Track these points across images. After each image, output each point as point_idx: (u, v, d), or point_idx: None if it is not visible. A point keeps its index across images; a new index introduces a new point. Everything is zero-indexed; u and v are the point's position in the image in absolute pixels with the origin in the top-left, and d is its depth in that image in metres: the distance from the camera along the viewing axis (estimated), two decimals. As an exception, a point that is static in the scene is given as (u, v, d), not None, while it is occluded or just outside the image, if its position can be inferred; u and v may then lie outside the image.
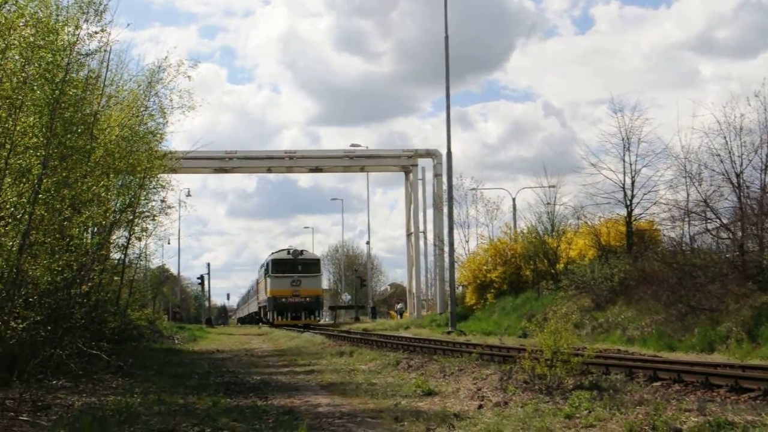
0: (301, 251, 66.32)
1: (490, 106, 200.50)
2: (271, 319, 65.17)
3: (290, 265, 63.68)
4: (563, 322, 15.07)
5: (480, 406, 13.33)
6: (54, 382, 16.21)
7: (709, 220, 31.50)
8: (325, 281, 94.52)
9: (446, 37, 43.17)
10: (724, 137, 30.07)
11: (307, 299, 62.73)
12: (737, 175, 29.89)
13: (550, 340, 14.42)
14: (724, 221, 30.96)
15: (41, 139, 14.61)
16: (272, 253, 69.57)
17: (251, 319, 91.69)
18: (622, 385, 14.36)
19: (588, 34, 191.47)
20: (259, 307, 76.38)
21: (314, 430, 11.51)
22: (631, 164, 36.89)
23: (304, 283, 62.91)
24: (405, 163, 64.29)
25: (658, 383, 15.34)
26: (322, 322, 74.87)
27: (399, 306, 77.29)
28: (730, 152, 29.96)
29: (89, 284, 19.34)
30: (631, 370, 16.89)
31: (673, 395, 13.28)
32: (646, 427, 10.27)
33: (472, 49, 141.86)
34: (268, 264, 66.77)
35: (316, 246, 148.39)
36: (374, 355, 24.06)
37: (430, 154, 62.71)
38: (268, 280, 65.07)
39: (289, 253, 65.30)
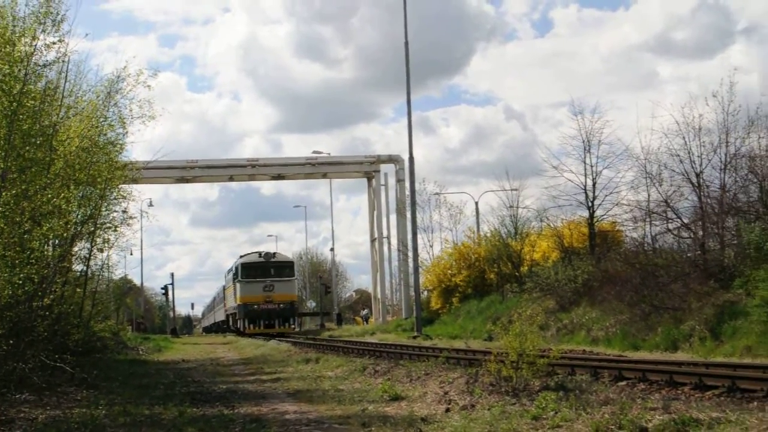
0: (273, 253, 62.45)
1: (452, 110, 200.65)
2: (241, 327, 60.64)
3: (262, 269, 59.68)
4: (528, 324, 15.13)
5: (447, 410, 13.35)
6: (17, 395, 16.04)
7: (670, 220, 31.81)
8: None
9: (406, 43, 43.22)
10: (683, 138, 30.40)
11: (281, 305, 58.51)
12: (697, 175, 30.20)
13: (515, 343, 14.45)
14: (685, 221, 31.29)
15: None
16: (241, 257, 64.97)
17: (218, 328, 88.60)
18: (587, 385, 14.43)
19: (547, 37, 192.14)
20: (227, 315, 72.42)
21: (281, 438, 11.46)
22: (592, 166, 37.21)
23: (277, 288, 58.73)
24: (367, 169, 64.32)
25: (624, 383, 15.44)
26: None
27: (364, 312, 77.11)
28: (689, 152, 30.28)
29: (51, 297, 19.15)
30: (597, 370, 16.99)
31: (639, 394, 13.37)
32: (613, 427, 10.32)
33: (432, 54, 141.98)
34: (237, 268, 62.00)
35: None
36: (341, 362, 24.02)
37: (392, 159, 62.76)
38: (238, 285, 60.63)
39: (260, 255, 61.26)
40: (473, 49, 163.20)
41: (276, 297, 58.38)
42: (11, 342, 14.59)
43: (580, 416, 11.23)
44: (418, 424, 12.15)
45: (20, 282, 15.37)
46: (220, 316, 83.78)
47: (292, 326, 60.64)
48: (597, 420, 10.71)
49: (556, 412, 11.60)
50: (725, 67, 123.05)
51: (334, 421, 13.16)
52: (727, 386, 13.52)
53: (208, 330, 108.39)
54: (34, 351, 16.82)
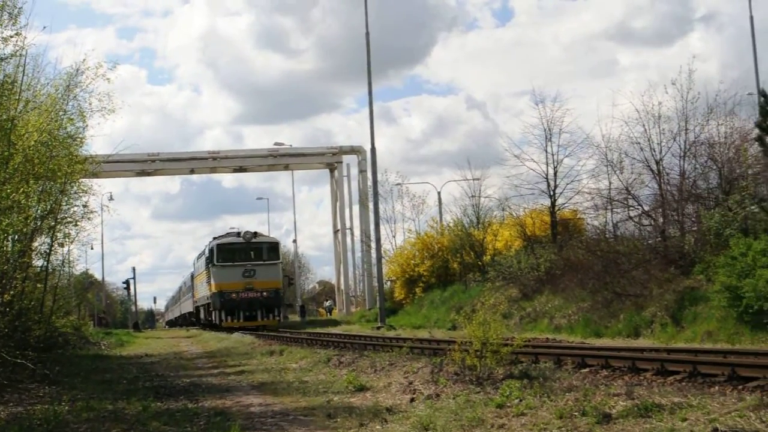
0: (254, 233, 52.86)
1: (413, 100, 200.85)
2: (216, 320, 51.03)
3: (242, 252, 50.88)
4: (491, 313, 15.21)
5: (412, 400, 13.38)
6: (-22, 393, 15.88)
7: (631, 208, 32.11)
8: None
9: (367, 33, 43.25)
10: (643, 125, 30.70)
11: (265, 294, 49.32)
12: (657, 162, 30.49)
13: (479, 332, 14.50)
14: (646, 208, 31.61)
15: (-44, 146, 14.32)
16: (215, 238, 55.08)
17: (185, 322, 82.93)
18: (551, 372, 14.52)
19: (508, 27, 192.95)
20: (197, 307, 63.71)
21: (247, 430, 11.44)
22: (553, 155, 37.49)
23: (259, 274, 49.80)
24: (329, 160, 64.33)
25: (587, 369, 15.54)
26: None
27: (328, 303, 77.08)
28: (649, 140, 30.59)
29: (11, 293, 19.00)
30: (560, 357, 17.08)
31: (602, 381, 13.48)
32: (576, 413, 10.39)
33: (393, 44, 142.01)
34: (211, 251, 51.61)
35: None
36: (305, 353, 24.01)
37: (354, 150, 62.82)
38: (213, 270, 50.96)
39: (239, 235, 51.97)
40: (434, 39, 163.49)
41: (258, 284, 49.63)
42: (-29, 339, 14.42)
43: (544, 403, 11.30)
44: (384, 414, 12.17)
45: (-20, 278, 15.21)
46: (187, 308, 77.20)
47: (277, 318, 51.16)
48: (561, 407, 10.79)
49: (521, 400, 11.66)
50: (684, 55, 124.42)
51: (299, 413, 13.15)
52: (688, 371, 13.64)
53: (173, 324, 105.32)
54: (-6, 347, 16.65)
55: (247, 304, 49.48)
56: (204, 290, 55.73)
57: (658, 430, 9.28)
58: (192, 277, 68.46)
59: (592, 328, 26.63)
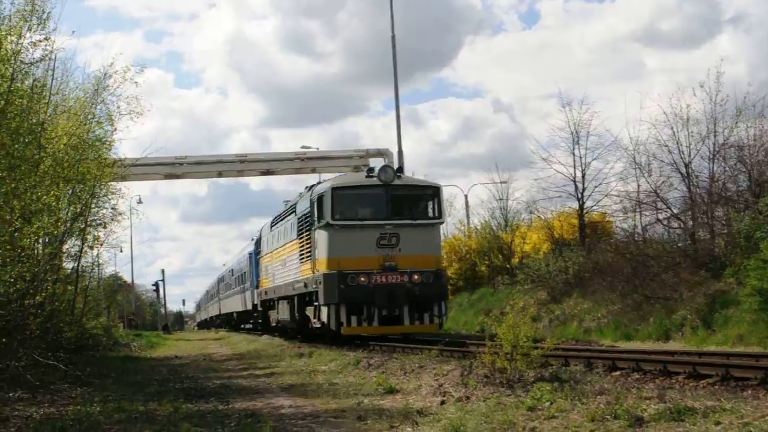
0: (398, 169, 30.60)
1: (440, 103, 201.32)
2: (330, 321, 26.93)
3: (375, 203, 27.99)
4: (521, 315, 15.14)
5: (442, 402, 13.34)
6: (11, 394, 16.00)
7: (659, 210, 31.96)
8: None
9: (393, 36, 43.15)
10: (672, 128, 30.57)
11: (416, 278, 26.87)
12: (686, 165, 30.35)
13: (509, 334, 14.45)
14: (675, 211, 31.47)
15: (-12, 150, 14.44)
16: (323, 182, 30.44)
17: (225, 323, 70.85)
18: (582, 375, 14.47)
19: (534, 29, 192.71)
20: (267, 301, 39.88)
21: (277, 432, 11.44)
22: (581, 157, 37.28)
23: (407, 243, 27.26)
24: (357, 163, 64.02)
25: (618, 373, 15.47)
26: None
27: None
28: (677, 143, 30.45)
29: (43, 295, 19.12)
30: (590, 360, 17.01)
31: (633, 384, 13.40)
32: (608, 416, 10.34)
33: (420, 48, 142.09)
34: (319, 200, 27.75)
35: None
36: (334, 356, 23.99)
37: (381, 153, 62.60)
38: (321, 235, 27.60)
39: (370, 174, 28.67)
40: (461, 42, 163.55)
41: (404, 260, 27.07)
42: (4, 340, 14.57)
43: (575, 407, 11.26)
44: (414, 416, 12.15)
45: (12, 280, 15.34)
46: (232, 306, 59.82)
47: (439, 318, 27.73)
48: (592, 410, 10.74)
49: (552, 403, 11.62)
50: (712, 57, 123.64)
51: (329, 415, 13.15)
52: (720, 375, 13.56)
53: (206, 326, 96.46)
54: (26, 349, 16.79)
55: (386, 297, 26.47)
56: (290, 272, 32.73)
57: (691, 434, 9.23)
58: (251, 257, 48.10)
59: (622, 331, 26.51)
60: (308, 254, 28.91)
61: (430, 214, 28.28)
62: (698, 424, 9.57)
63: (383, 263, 26.66)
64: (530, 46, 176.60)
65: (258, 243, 45.22)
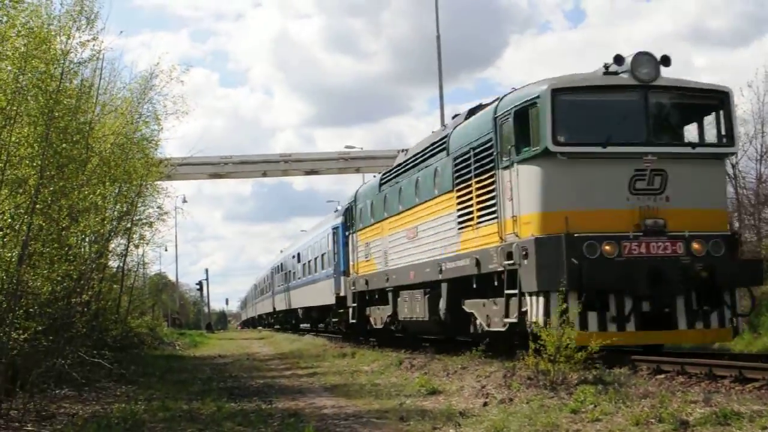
0: (663, 59, 16.28)
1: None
2: (545, 317, 15.42)
3: (627, 115, 16.40)
4: (565, 317, 15.01)
5: (485, 404, 13.30)
6: (57, 391, 16.19)
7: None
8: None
9: (438, 36, 43.08)
10: (719, 128, 30.09)
11: (696, 246, 15.86)
12: (733, 166, 29.98)
13: (553, 336, 14.35)
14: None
15: (37, 149, 14.59)
16: (524, 87, 17.30)
17: (282, 322, 62.62)
18: (626, 378, 14.33)
19: (580, 28, 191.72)
20: (356, 294, 30.16)
21: (320, 432, 11.46)
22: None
23: (679, 187, 16.00)
24: (400, 162, 64.24)
25: (662, 376, 15.31)
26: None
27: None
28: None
29: (89, 293, 19.31)
30: (634, 363, 16.86)
31: (678, 387, 13.26)
32: (653, 420, 10.26)
33: (464, 47, 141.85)
34: (523, 111, 16.50)
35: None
36: (376, 356, 24.03)
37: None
38: (523, 175, 16.40)
39: (611, 71, 16.33)
40: (506, 41, 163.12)
41: (677, 217, 15.98)
42: (51, 338, 14.69)
43: (619, 409, 11.17)
44: (457, 418, 12.12)
45: (59, 278, 15.50)
46: (299, 301, 48.87)
47: (732, 321, 16.73)
48: (637, 413, 10.65)
49: (596, 406, 11.54)
50: (761, 56, 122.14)
51: (372, 416, 13.16)
52: (767, 379, 13.39)
53: (251, 325, 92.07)
54: (73, 347, 16.96)
55: (649, 279, 15.48)
56: (431, 246, 21.68)
57: (737, 438, 9.13)
58: (338, 235, 36.06)
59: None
60: (487, 211, 18.13)
61: (713, 138, 17.17)
62: (744, 429, 9.47)
63: (642, 221, 15.90)
64: (576, 45, 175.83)
65: (349, 214, 32.16)
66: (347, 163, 64.17)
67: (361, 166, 66.19)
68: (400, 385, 17.04)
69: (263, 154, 69.31)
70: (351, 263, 30.91)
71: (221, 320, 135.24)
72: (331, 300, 36.45)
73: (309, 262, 45.20)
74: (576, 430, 10.50)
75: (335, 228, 37.04)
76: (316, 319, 44.91)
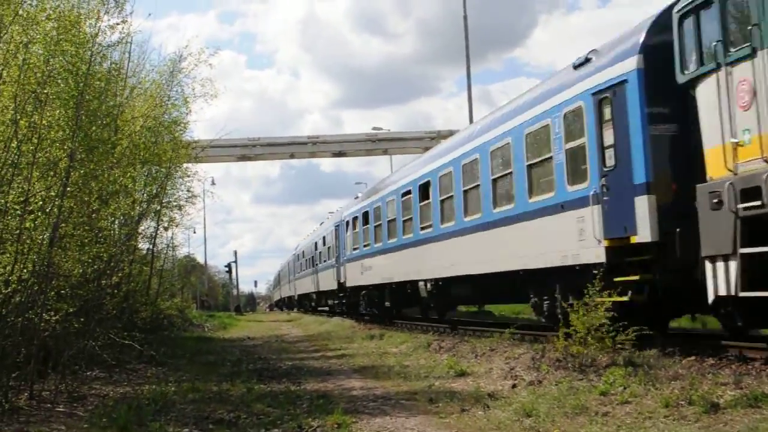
0: None
1: (512, 83, 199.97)
2: None
3: None
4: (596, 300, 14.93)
5: (514, 386, 13.30)
6: (88, 372, 16.33)
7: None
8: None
9: (465, 17, 42.94)
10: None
11: None
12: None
13: (583, 319, 14.28)
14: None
15: (67, 132, 14.66)
16: None
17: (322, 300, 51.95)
18: (656, 360, 14.26)
19: (609, 7, 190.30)
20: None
21: (349, 413, 11.50)
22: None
23: None
24: (428, 144, 63.99)
25: (692, 358, 15.23)
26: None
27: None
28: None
29: (119, 275, 19.44)
30: (664, 345, 16.77)
31: (708, 369, 13.20)
32: (683, 402, 10.21)
33: (493, 27, 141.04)
34: None
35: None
36: (405, 338, 24.04)
37: (452, 134, 62.49)
38: None
39: None
40: (535, 21, 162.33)
41: None
42: (82, 320, 14.80)
43: (649, 392, 11.13)
44: (485, 399, 12.13)
45: (90, 260, 15.61)
46: (353, 276, 37.41)
47: None
48: (666, 395, 10.60)
49: (625, 388, 11.49)
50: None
51: (400, 397, 13.19)
52: (799, 362, 13.29)
53: (285, 305, 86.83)
54: (103, 328, 17.08)
55: None
56: None
57: (768, 421, 9.06)
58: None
59: (698, 317, 26.08)
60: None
61: None
62: (775, 412, 9.41)
63: None
64: (605, 24, 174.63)
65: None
66: (375, 144, 64.19)
67: (388, 148, 66.21)
68: (428, 366, 17.05)
69: (291, 136, 69.46)
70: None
71: (250, 302, 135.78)
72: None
73: (360, 227, 36.62)
74: (605, 412, 10.47)
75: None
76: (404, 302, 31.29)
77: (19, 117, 13.08)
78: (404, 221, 28.71)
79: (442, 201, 24.39)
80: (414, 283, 27.33)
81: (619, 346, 14.14)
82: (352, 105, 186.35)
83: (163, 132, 24.41)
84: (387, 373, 16.80)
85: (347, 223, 39.59)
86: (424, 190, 26.33)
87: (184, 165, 27.61)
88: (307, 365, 19.61)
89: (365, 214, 35.45)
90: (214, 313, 63.17)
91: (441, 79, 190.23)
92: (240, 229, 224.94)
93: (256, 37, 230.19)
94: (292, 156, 68.48)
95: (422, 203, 26.52)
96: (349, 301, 40.20)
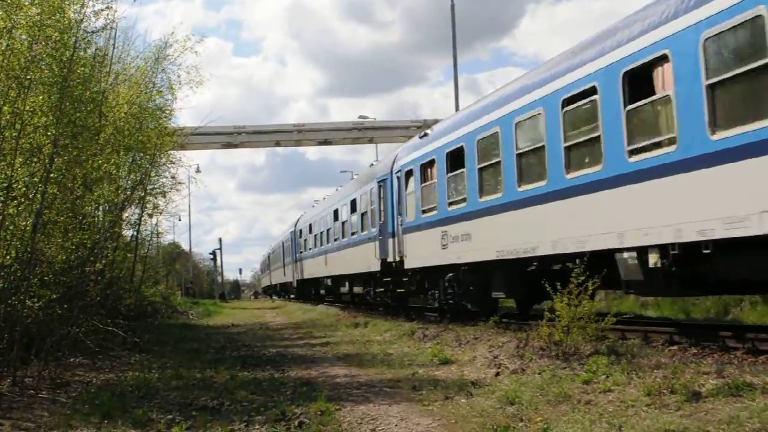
0: None
1: (499, 72, 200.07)
2: None
3: None
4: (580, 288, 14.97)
5: (497, 374, 13.34)
6: (72, 359, 16.30)
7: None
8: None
9: (452, 6, 42.90)
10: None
11: None
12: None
13: (566, 307, 14.31)
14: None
15: (51, 118, 14.59)
16: None
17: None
18: (638, 349, 14.32)
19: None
20: None
21: (333, 401, 11.51)
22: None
23: None
24: (414, 133, 64.04)
25: (675, 347, 15.31)
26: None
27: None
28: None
29: (103, 262, 19.40)
30: (647, 334, 16.86)
31: (691, 358, 13.25)
32: (665, 390, 10.25)
33: (480, 16, 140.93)
34: None
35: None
36: (389, 326, 24.08)
37: (437, 123, 62.56)
38: None
39: None
40: (522, 10, 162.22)
41: None
42: (65, 306, 14.76)
43: (631, 380, 11.17)
44: (469, 387, 12.17)
45: (73, 247, 15.57)
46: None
47: None
48: (649, 384, 10.64)
49: (608, 376, 11.53)
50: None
51: (384, 385, 13.21)
52: (780, 350, 13.37)
53: (276, 293, 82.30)
54: (87, 315, 17.01)
55: None
56: None
57: (749, 410, 9.08)
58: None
59: (680, 305, 26.22)
60: None
61: None
62: (757, 400, 9.44)
63: None
64: (594, 15, 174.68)
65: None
66: (361, 133, 64.12)
67: (374, 137, 66.14)
68: (412, 354, 17.09)
69: (277, 124, 69.35)
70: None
71: (234, 290, 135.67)
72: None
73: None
74: (588, 400, 10.51)
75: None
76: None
77: (2, 102, 13.01)
78: (570, 147, 16.00)
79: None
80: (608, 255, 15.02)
81: (601, 333, 14.18)
82: (338, 93, 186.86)
83: (148, 119, 24.33)
84: (371, 360, 16.82)
85: (408, 173, 26.94)
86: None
87: (170, 152, 27.54)
88: (291, 353, 19.62)
89: (456, 152, 22.02)
90: (198, 301, 63.12)
91: (428, 68, 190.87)
92: (225, 216, 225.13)
93: (242, 25, 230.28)
94: (277, 144, 68.32)
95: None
96: (408, 290, 27.67)
